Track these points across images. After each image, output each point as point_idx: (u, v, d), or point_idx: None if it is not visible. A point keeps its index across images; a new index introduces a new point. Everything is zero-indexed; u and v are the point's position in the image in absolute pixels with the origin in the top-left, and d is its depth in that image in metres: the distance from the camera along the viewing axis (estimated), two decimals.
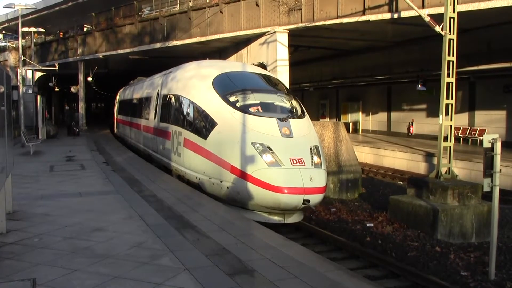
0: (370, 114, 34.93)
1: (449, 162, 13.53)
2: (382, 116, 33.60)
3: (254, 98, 11.73)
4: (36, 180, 13.01)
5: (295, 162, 10.06)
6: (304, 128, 11.21)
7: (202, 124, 11.86)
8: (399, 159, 23.18)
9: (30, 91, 29.78)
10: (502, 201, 13.62)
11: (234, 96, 11.70)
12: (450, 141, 13.63)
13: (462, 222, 11.70)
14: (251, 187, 10.01)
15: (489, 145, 9.28)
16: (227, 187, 10.63)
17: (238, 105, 11.42)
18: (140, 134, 19.96)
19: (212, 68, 13.50)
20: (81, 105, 36.08)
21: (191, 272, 5.84)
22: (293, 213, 10.62)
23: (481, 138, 21.40)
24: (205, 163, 11.44)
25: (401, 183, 19.56)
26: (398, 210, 12.95)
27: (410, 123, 30.52)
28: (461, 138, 25.92)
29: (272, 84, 13.30)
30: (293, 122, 11.03)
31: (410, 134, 30.37)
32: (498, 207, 9.50)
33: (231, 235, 7.57)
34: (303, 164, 10.11)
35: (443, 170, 13.31)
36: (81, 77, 34.99)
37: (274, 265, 6.21)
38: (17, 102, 25.48)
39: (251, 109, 11.29)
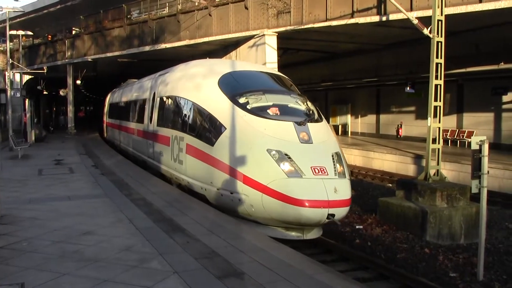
0: (359, 116, 35.02)
1: (438, 164, 13.61)
2: (371, 118, 33.71)
3: (266, 100, 10.56)
4: (24, 184, 12.88)
5: (317, 171, 8.95)
6: (323, 133, 10.12)
7: (208, 129, 10.79)
8: (388, 161, 23.26)
9: (18, 95, 29.62)
10: (490, 203, 13.68)
11: (244, 97, 10.55)
12: (439, 143, 13.71)
13: (451, 224, 11.78)
14: (268, 199, 8.89)
15: (477, 147, 9.35)
16: (239, 199, 9.49)
17: (248, 107, 10.28)
18: (132, 138, 19.07)
19: (217, 66, 12.50)
20: (70, 108, 35.82)
21: (181, 275, 5.83)
22: (313, 228, 9.63)
23: (469, 140, 21.56)
24: (212, 172, 10.29)
25: (390, 185, 19.62)
26: (387, 212, 13.01)
27: (399, 125, 30.64)
28: (449, 140, 26.10)
29: (284, 85, 12.12)
30: (311, 126, 9.90)
31: (399, 136, 30.49)
32: (486, 208, 9.58)
33: (220, 238, 7.57)
34: (326, 173, 9.01)
35: (432, 172, 13.40)
36: (69, 80, 34.77)
37: (264, 268, 6.22)
38: (5, 105, 25.33)
39: (264, 112, 10.16)
